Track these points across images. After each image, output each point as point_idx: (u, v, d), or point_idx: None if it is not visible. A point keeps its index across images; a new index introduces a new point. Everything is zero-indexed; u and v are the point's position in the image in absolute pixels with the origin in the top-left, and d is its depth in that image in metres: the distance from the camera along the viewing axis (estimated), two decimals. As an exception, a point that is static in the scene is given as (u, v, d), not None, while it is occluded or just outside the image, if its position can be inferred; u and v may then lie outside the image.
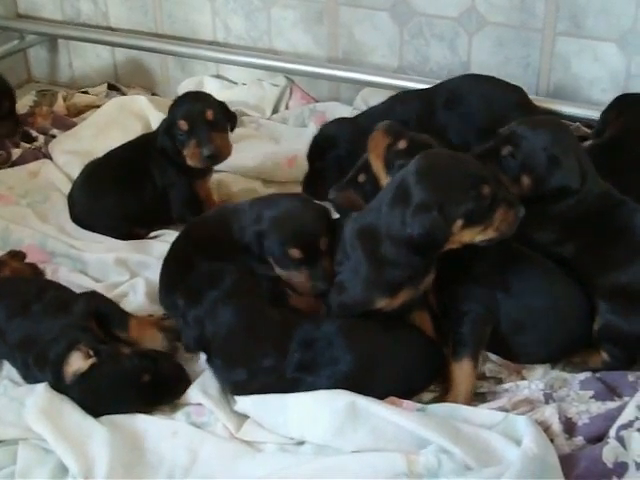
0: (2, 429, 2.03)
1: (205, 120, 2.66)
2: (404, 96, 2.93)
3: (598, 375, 2.05)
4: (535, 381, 2.07)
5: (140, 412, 2.04)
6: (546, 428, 1.88)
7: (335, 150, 2.77)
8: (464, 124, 2.78)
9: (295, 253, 2.12)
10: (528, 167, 2.19)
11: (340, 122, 2.92)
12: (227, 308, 2.04)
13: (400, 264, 2.03)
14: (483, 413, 1.93)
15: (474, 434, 1.84)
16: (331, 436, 1.92)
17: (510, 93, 2.86)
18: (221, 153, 2.68)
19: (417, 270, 2.06)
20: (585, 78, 3.00)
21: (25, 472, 1.91)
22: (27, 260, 2.61)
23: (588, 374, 2.06)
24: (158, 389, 2.07)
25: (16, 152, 3.26)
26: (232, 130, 2.79)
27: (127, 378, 2.04)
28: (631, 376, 2.03)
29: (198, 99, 2.77)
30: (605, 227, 2.19)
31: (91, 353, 2.03)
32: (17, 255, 2.62)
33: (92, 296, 2.32)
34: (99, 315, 2.23)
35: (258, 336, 2.04)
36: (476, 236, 2.01)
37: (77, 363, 2.02)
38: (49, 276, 2.57)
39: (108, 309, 2.28)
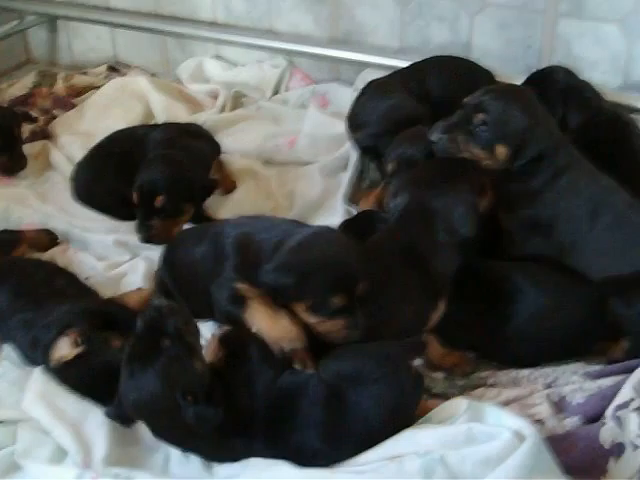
0: (2, 411, 2.04)
1: (152, 206, 2.50)
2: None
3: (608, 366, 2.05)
4: (535, 372, 2.08)
5: None
6: (536, 412, 1.89)
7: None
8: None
9: (337, 300, 1.88)
10: (502, 135, 2.13)
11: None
12: None
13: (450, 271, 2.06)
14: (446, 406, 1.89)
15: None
16: None
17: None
18: (158, 240, 2.49)
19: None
20: (586, 60, 2.98)
21: (24, 453, 1.92)
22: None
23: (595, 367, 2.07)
24: None
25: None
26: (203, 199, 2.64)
27: (109, 373, 1.92)
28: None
29: (163, 172, 2.53)
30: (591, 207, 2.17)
31: (79, 341, 2.01)
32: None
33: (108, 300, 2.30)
34: (111, 317, 2.17)
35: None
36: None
37: (63, 349, 2.01)
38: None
39: (125, 315, 2.20)
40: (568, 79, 2.68)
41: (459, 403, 1.85)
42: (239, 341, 1.94)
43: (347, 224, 2.43)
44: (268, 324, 1.90)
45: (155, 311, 1.84)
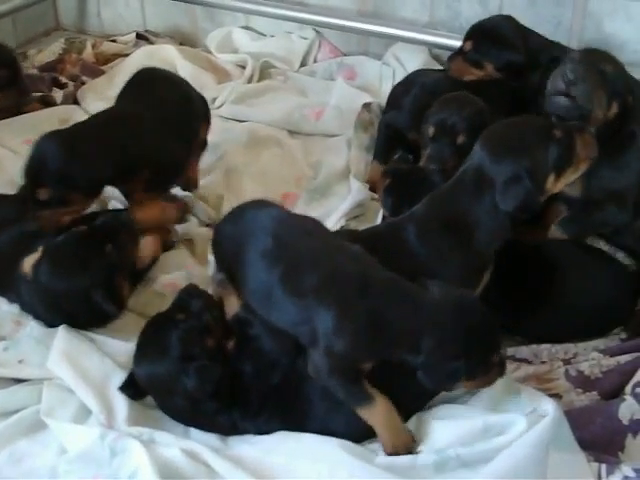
0: (28, 370, 2.06)
1: (34, 197, 2.16)
2: None
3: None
4: (556, 347, 2.08)
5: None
6: (554, 387, 1.91)
7: None
8: None
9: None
10: (617, 93, 2.19)
11: None
12: None
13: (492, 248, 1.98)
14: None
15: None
16: None
17: None
18: (50, 230, 2.18)
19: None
20: (617, 38, 2.96)
21: (49, 412, 1.94)
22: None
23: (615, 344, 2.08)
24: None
25: (58, 96, 3.30)
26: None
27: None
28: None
29: (43, 161, 2.14)
30: None
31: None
32: None
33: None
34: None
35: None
36: (570, 177, 1.99)
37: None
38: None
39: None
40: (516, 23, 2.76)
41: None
42: (250, 326, 1.93)
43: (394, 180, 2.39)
44: (392, 434, 1.75)
45: (184, 292, 1.97)
